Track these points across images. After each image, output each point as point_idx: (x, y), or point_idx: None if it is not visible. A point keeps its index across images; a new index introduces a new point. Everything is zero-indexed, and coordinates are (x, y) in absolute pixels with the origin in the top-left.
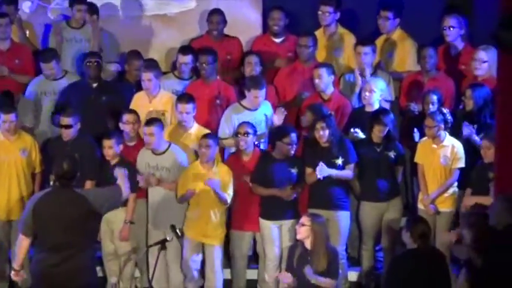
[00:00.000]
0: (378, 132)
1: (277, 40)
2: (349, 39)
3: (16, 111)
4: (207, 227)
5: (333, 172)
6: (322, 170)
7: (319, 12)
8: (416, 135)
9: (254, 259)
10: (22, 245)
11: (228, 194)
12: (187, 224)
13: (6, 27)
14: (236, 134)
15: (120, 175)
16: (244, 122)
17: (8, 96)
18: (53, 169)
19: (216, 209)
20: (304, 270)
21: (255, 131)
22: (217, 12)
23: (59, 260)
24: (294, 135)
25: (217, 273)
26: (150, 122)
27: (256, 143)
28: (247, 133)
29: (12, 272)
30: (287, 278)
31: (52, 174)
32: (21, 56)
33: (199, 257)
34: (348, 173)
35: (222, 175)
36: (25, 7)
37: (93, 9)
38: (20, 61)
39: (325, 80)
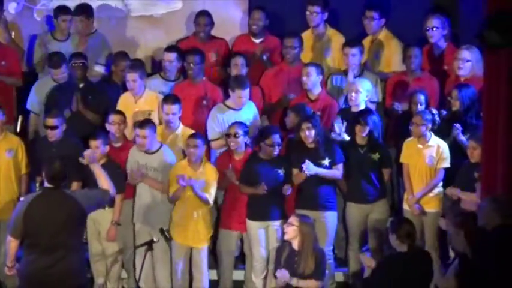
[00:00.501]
0: (358, 132)
1: (257, 40)
2: (338, 39)
3: (1, 110)
4: (193, 228)
5: (320, 171)
6: (309, 167)
7: (307, 13)
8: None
9: (241, 260)
10: (11, 246)
11: (210, 194)
12: (173, 226)
13: None
14: (227, 135)
15: (96, 170)
16: (235, 123)
17: None
18: (43, 170)
19: (201, 209)
20: (276, 274)
21: (246, 132)
22: (204, 14)
23: (52, 262)
24: (276, 136)
25: (204, 274)
26: (142, 124)
27: (247, 143)
28: (237, 134)
29: (6, 268)
30: (285, 275)
31: (39, 175)
32: (8, 57)
33: (187, 261)
34: (335, 172)
35: (207, 175)
36: (11, 8)
37: (89, 14)
38: (7, 63)
39: (312, 79)
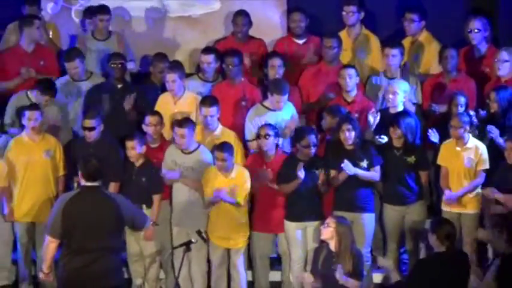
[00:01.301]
0: (392, 135)
1: (300, 41)
2: (374, 40)
3: (40, 110)
4: (230, 229)
5: (359, 171)
6: (348, 167)
7: (343, 13)
8: (434, 136)
9: (278, 261)
10: (50, 247)
11: (242, 197)
12: (210, 227)
13: (36, 30)
14: (257, 135)
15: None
16: (265, 124)
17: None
18: (80, 169)
19: (237, 210)
20: (335, 270)
21: (277, 133)
22: (242, 14)
23: (87, 262)
24: (312, 137)
25: (242, 274)
26: (181, 123)
27: (279, 144)
28: (267, 135)
29: (41, 274)
30: (308, 278)
31: (77, 176)
32: (46, 57)
33: (226, 265)
34: (374, 174)
35: (238, 178)
36: (48, 8)
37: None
38: (45, 62)
39: (354, 81)
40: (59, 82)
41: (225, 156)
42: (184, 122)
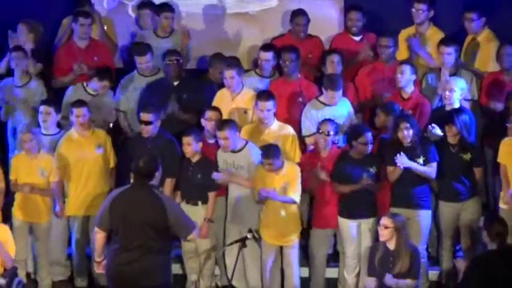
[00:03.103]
0: (448, 132)
1: (356, 38)
2: (438, 38)
3: (88, 106)
4: (282, 227)
5: (414, 165)
6: (402, 160)
7: (413, 10)
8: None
9: (334, 258)
10: (97, 238)
11: (294, 193)
12: (262, 225)
13: (88, 27)
14: (318, 130)
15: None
16: (327, 120)
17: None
18: (131, 166)
19: (289, 207)
20: (384, 279)
21: (336, 131)
22: (301, 13)
23: (130, 260)
24: (369, 134)
25: (295, 271)
26: (221, 126)
27: (334, 141)
28: (328, 132)
29: (95, 265)
30: (372, 283)
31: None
32: (100, 53)
33: (278, 260)
34: (429, 169)
35: (289, 175)
36: (104, 3)
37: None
38: (99, 58)
39: (406, 77)
40: (126, 77)
41: (271, 161)
42: (224, 124)
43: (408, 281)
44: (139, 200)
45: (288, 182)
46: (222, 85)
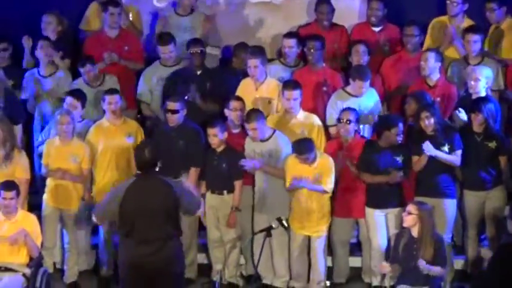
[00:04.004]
0: (473, 120)
1: (376, 29)
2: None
3: (119, 94)
4: (311, 217)
5: (440, 153)
6: (429, 148)
7: (447, 2)
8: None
9: (358, 247)
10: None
11: (327, 184)
12: (291, 215)
13: (118, 16)
14: (338, 119)
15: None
16: (347, 108)
17: None
18: (135, 157)
19: (319, 198)
20: (418, 264)
21: (357, 119)
22: (325, 1)
23: (151, 250)
24: (401, 125)
25: (321, 262)
26: (248, 117)
27: (357, 129)
28: (349, 120)
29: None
30: (385, 268)
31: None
32: (130, 42)
33: (306, 252)
34: (454, 158)
35: (322, 167)
36: None
37: None
38: (129, 47)
39: (431, 65)
40: (150, 69)
41: (305, 156)
42: (252, 115)
43: (439, 269)
44: (152, 190)
45: (321, 173)
46: (246, 74)
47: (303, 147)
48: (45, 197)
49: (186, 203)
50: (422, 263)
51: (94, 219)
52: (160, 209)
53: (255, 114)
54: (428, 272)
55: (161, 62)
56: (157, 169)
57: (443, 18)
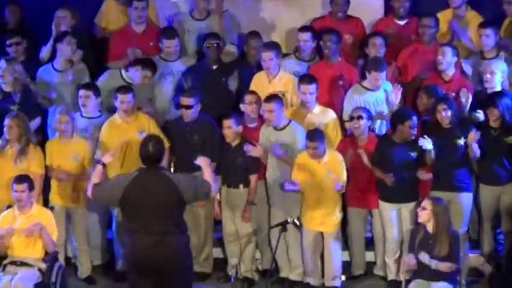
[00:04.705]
0: (490, 115)
1: (401, 22)
2: (477, 22)
3: (133, 92)
4: (323, 213)
5: (475, 147)
6: (424, 142)
7: None
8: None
9: (373, 241)
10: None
11: (342, 181)
12: (303, 211)
13: (143, 10)
14: (351, 117)
15: (204, 163)
16: (358, 107)
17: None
18: (140, 151)
19: (331, 195)
20: (419, 256)
21: (370, 116)
22: None
23: (153, 243)
24: (415, 119)
25: (335, 258)
26: (269, 98)
27: (370, 127)
28: (360, 117)
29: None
30: (410, 260)
31: (173, 156)
32: (155, 38)
33: (319, 246)
34: (477, 149)
35: (332, 164)
36: None
37: None
38: (154, 43)
39: (448, 59)
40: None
41: (316, 144)
42: (272, 97)
43: (448, 264)
44: (154, 184)
45: (332, 169)
46: (259, 65)
47: (314, 135)
48: (50, 195)
49: (192, 195)
50: (423, 256)
51: (89, 195)
52: (162, 202)
53: (275, 97)
54: (436, 267)
55: (162, 56)
56: (161, 164)
57: (448, 11)
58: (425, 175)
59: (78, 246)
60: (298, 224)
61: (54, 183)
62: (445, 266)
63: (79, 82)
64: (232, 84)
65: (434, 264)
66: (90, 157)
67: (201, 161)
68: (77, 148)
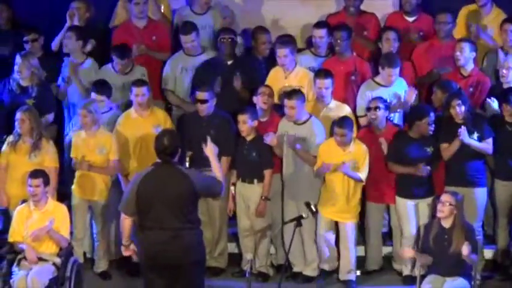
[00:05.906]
0: (504, 111)
1: (410, 19)
2: (501, 18)
3: (148, 85)
4: (341, 203)
5: (472, 142)
6: (464, 134)
7: None
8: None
9: (389, 236)
10: (125, 224)
11: (362, 172)
12: (321, 200)
13: (144, 5)
14: (367, 108)
15: (210, 152)
16: (375, 97)
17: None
18: (154, 144)
19: (351, 185)
20: (463, 248)
21: (387, 106)
22: None
23: (167, 238)
24: (433, 115)
25: (351, 249)
26: (290, 94)
27: (388, 116)
28: (377, 107)
29: (123, 248)
30: (408, 253)
31: (189, 151)
32: (158, 33)
33: (333, 235)
34: (485, 145)
35: (357, 154)
36: None
37: None
38: (157, 38)
39: (466, 55)
40: (173, 58)
41: (345, 131)
42: (294, 93)
43: (475, 256)
44: (168, 179)
45: (356, 160)
46: (266, 59)
47: (343, 121)
48: (73, 188)
49: (206, 191)
50: (467, 250)
51: (122, 215)
52: (175, 197)
53: (297, 93)
54: (467, 259)
55: (185, 51)
56: (176, 158)
57: (472, 7)
58: (422, 169)
59: (99, 239)
60: (314, 210)
61: (77, 175)
62: (475, 259)
63: (85, 79)
64: (236, 83)
65: (469, 256)
66: (115, 150)
67: (209, 150)
68: (103, 141)
